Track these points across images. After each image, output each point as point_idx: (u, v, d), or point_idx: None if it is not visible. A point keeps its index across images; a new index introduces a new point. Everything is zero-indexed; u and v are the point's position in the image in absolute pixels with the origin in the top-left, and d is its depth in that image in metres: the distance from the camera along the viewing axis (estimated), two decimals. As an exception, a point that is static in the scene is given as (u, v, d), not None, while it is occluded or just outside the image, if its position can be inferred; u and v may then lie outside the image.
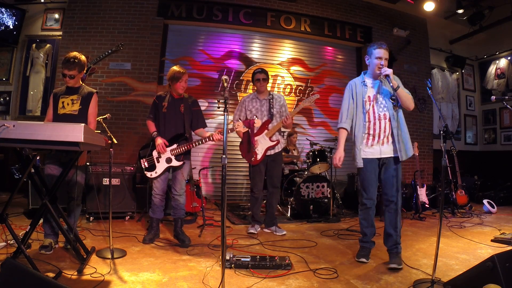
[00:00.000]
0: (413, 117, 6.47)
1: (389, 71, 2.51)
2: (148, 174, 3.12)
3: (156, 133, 3.13)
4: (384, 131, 2.63)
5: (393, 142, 2.62)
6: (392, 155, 2.64)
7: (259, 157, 3.56)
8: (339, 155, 2.79)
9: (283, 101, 3.71)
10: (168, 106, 3.15)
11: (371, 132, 2.65)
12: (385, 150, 2.64)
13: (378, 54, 2.61)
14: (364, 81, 2.74)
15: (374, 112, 2.66)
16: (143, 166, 3.13)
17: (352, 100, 2.75)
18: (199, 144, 3.05)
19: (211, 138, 2.99)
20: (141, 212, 4.14)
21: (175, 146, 3.09)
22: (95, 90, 2.92)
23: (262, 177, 3.65)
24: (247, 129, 3.17)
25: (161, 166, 3.11)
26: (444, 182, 2.34)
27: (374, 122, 2.65)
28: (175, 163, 3.09)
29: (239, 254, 2.68)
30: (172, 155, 3.09)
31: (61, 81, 4.87)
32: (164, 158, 3.10)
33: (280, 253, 2.90)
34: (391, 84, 2.52)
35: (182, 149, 3.07)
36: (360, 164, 2.70)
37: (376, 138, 2.64)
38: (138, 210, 4.15)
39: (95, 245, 2.84)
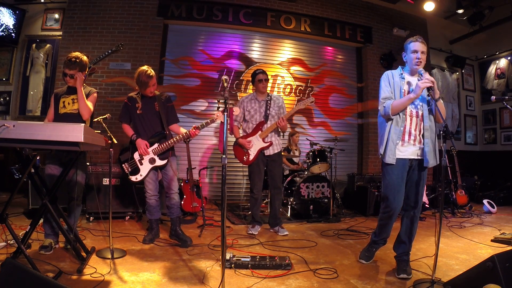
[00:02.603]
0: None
1: (429, 84, 2.26)
2: (133, 178, 3.06)
3: (135, 135, 3.07)
4: (415, 130, 2.43)
5: (423, 144, 2.42)
6: (420, 158, 2.43)
7: (251, 157, 3.57)
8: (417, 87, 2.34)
9: (282, 102, 3.70)
10: (143, 107, 3.09)
11: (407, 129, 2.43)
12: (415, 151, 2.43)
13: (414, 47, 2.44)
14: (402, 74, 2.52)
15: (406, 108, 2.42)
16: (126, 171, 3.07)
17: (390, 87, 2.49)
18: (181, 141, 3.03)
19: (188, 133, 2.98)
20: (141, 212, 4.14)
21: (156, 145, 3.04)
22: (96, 90, 2.93)
23: (262, 177, 3.65)
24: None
25: (145, 168, 3.06)
26: (444, 182, 2.31)
27: (405, 118, 2.43)
28: (159, 162, 3.05)
29: (239, 254, 2.68)
30: (154, 154, 3.05)
31: (61, 81, 4.87)
32: (147, 159, 3.05)
33: (280, 253, 2.90)
34: (430, 98, 2.29)
35: (164, 147, 3.03)
36: (392, 160, 2.42)
37: (407, 136, 2.43)
38: (138, 210, 4.14)
39: (95, 245, 2.84)
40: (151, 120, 3.10)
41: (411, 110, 2.44)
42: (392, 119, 2.44)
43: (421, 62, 2.43)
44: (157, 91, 3.18)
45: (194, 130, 2.98)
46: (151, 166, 3.06)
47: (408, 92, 2.45)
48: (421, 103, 2.44)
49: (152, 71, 3.04)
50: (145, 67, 3.04)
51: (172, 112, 3.21)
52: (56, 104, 2.81)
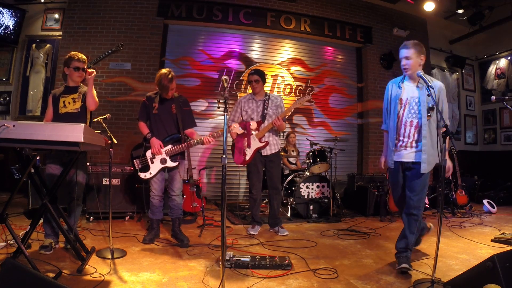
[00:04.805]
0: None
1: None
2: (142, 175, 3.08)
3: (150, 134, 3.10)
4: (408, 137, 2.55)
5: (418, 148, 2.51)
6: (414, 161, 2.53)
7: (247, 157, 3.56)
8: (382, 159, 2.78)
9: (280, 102, 3.68)
10: (159, 107, 3.12)
11: (400, 137, 2.58)
12: (407, 155, 2.55)
13: (400, 55, 2.57)
14: (400, 82, 2.63)
15: (403, 116, 2.56)
16: (136, 167, 3.10)
17: (387, 100, 2.71)
18: (193, 145, 3.06)
19: (202, 140, 3.00)
20: (141, 212, 4.14)
21: (169, 147, 3.07)
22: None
23: (260, 177, 3.64)
24: (243, 130, 3.18)
25: (155, 167, 3.08)
26: (444, 182, 2.32)
27: (400, 126, 2.58)
28: (170, 163, 3.07)
29: (239, 254, 2.68)
30: (166, 155, 3.07)
31: (61, 81, 4.88)
32: (158, 159, 3.07)
33: (280, 253, 2.90)
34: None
35: (177, 150, 3.06)
36: (390, 164, 2.65)
37: (400, 143, 2.58)
38: (138, 210, 4.14)
39: (95, 245, 2.84)
40: (165, 121, 3.12)
41: (406, 120, 2.57)
42: (390, 126, 2.67)
43: (406, 68, 2.54)
44: (176, 93, 3.21)
45: (209, 138, 3.00)
46: (161, 166, 3.08)
47: (402, 103, 2.58)
48: (417, 113, 2.52)
49: (173, 73, 3.06)
50: (165, 70, 3.04)
51: (189, 116, 3.24)
52: (56, 104, 2.81)
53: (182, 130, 3.14)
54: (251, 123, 3.15)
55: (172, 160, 3.08)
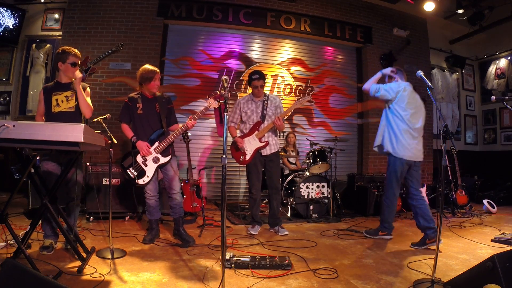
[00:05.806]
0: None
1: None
2: (141, 181, 3.05)
3: (135, 137, 3.05)
4: None
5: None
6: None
7: (247, 157, 3.56)
8: None
9: (279, 102, 3.69)
10: (143, 108, 3.08)
11: None
12: None
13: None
14: None
15: None
16: (132, 176, 3.05)
17: None
18: (180, 135, 3.06)
19: (185, 125, 2.98)
20: (141, 212, 4.14)
21: (156, 144, 3.04)
22: (88, 85, 2.87)
23: (260, 177, 3.64)
24: (220, 102, 3.14)
25: (150, 169, 3.05)
26: (444, 182, 2.33)
27: None
28: (163, 160, 3.05)
29: (239, 254, 2.69)
30: (157, 153, 3.04)
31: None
32: (150, 159, 3.04)
33: (280, 253, 2.90)
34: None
35: (164, 144, 3.03)
36: None
37: None
38: (138, 210, 4.14)
39: (95, 245, 2.84)
40: (151, 121, 3.09)
41: None
42: None
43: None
44: (158, 92, 3.19)
45: (190, 121, 2.98)
46: (155, 165, 3.05)
47: None
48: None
49: (156, 68, 3.09)
50: (145, 65, 3.09)
51: (172, 114, 3.23)
52: (48, 102, 2.71)
53: (166, 127, 3.11)
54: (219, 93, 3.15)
55: (164, 156, 3.06)
